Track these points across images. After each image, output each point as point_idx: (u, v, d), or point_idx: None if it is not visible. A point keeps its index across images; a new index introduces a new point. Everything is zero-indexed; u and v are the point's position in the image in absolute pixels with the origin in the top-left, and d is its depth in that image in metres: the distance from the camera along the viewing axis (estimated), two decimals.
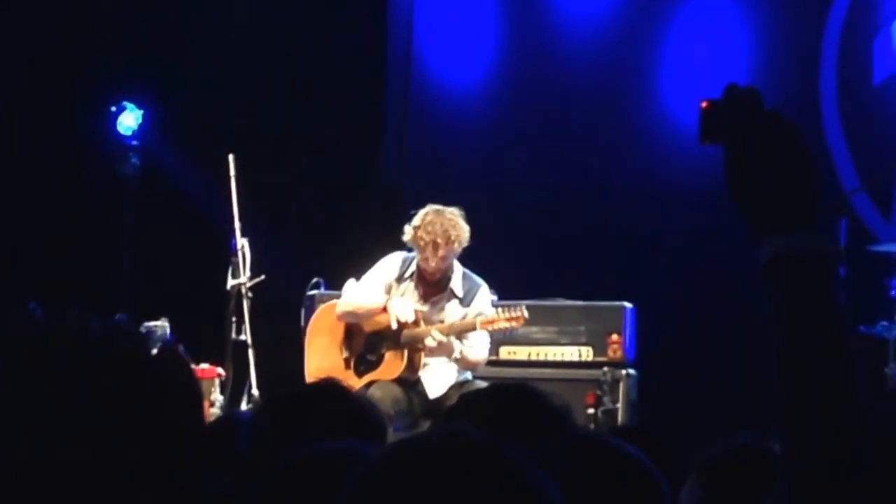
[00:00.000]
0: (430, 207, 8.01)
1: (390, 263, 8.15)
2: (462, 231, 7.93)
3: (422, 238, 7.91)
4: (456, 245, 7.91)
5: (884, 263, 8.97)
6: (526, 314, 8.00)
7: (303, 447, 2.31)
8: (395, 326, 8.03)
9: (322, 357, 8.33)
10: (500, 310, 8.08)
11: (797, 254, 1.93)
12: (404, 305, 8.04)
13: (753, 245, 1.95)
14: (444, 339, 7.92)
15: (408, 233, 7.98)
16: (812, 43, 10.15)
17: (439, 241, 7.87)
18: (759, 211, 1.97)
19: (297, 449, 2.31)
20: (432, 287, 8.10)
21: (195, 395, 1.86)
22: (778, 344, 1.92)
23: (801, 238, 1.94)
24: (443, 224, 7.87)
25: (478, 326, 7.95)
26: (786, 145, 1.97)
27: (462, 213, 8.02)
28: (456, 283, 8.10)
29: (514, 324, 7.98)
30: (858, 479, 1.85)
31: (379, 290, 8.14)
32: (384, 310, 8.11)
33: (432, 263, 7.97)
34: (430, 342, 7.91)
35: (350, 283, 8.33)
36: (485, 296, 8.17)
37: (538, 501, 1.65)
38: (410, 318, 8.01)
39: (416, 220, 7.96)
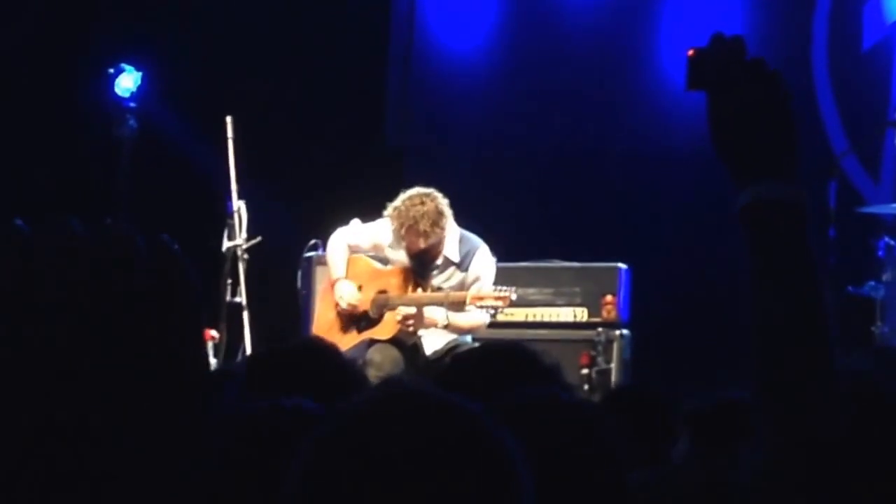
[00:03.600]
0: (412, 192, 7.93)
1: (384, 228, 8.13)
2: (435, 224, 7.83)
3: (396, 226, 7.92)
4: (421, 241, 7.87)
5: (872, 225, 9.07)
6: (513, 297, 7.99)
7: (254, 404, 2.28)
8: (340, 308, 8.15)
9: (329, 309, 8.37)
10: (490, 287, 8.07)
11: (772, 199, 1.97)
12: (347, 292, 8.14)
13: (735, 190, 1.97)
14: (410, 313, 7.93)
15: (387, 210, 7.99)
16: (803, 9, 10.20)
17: (404, 231, 7.86)
18: (740, 157, 2.01)
19: (251, 405, 2.28)
20: (425, 256, 8.11)
21: (193, 303, 1.68)
22: (752, 289, 1.97)
23: (777, 184, 1.97)
24: (415, 216, 7.81)
25: (468, 301, 7.95)
26: (767, 93, 2.01)
27: (444, 199, 7.91)
28: (451, 250, 8.07)
29: (499, 303, 7.96)
30: (831, 424, 1.87)
31: (365, 247, 8.20)
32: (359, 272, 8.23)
33: (406, 251, 8.02)
34: (406, 311, 7.95)
35: (355, 223, 8.34)
36: (483, 258, 8.14)
37: (497, 457, 1.63)
38: (343, 307, 8.13)
39: (396, 202, 7.93)
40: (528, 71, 10.66)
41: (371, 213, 8.39)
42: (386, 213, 7.98)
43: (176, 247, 1.57)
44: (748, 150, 1.99)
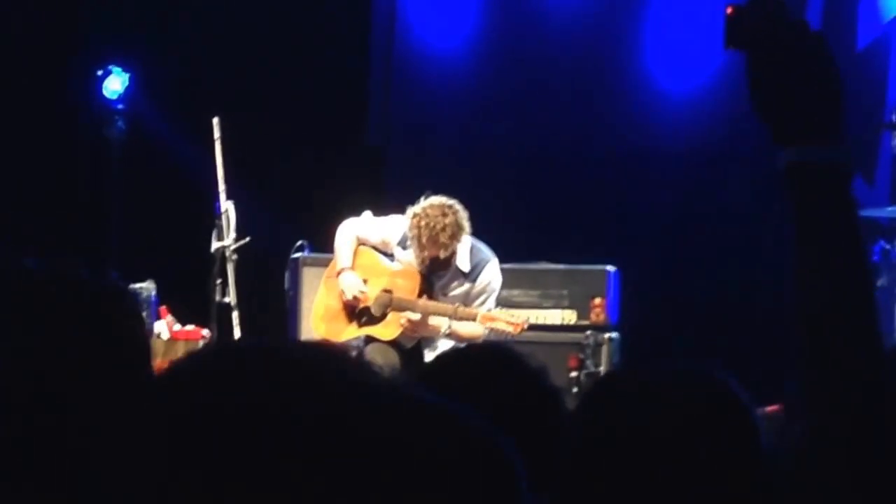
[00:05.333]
0: (435, 202, 7.84)
1: (396, 225, 8.09)
2: (454, 237, 7.78)
3: (415, 233, 7.85)
4: (441, 252, 7.81)
5: (867, 228, 8.93)
6: (526, 326, 7.92)
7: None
8: (345, 298, 8.12)
9: (332, 296, 8.34)
10: (504, 311, 8.02)
11: (818, 162, 1.93)
12: (353, 284, 8.11)
13: (774, 152, 1.94)
14: (416, 319, 7.89)
15: (408, 213, 7.91)
16: (796, 8, 10.13)
17: (425, 241, 7.79)
18: (781, 118, 1.96)
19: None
20: (436, 263, 8.04)
21: (138, 338, 1.87)
22: (796, 252, 1.93)
23: (822, 147, 1.94)
24: (436, 227, 7.74)
25: (478, 319, 7.88)
26: (811, 54, 1.97)
27: (465, 212, 7.84)
28: (462, 259, 8.00)
29: (510, 329, 7.85)
30: (877, 396, 1.85)
31: (373, 240, 8.17)
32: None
33: (419, 257, 7.95)
34: (412, 316, 7.91)
35: (367, 215, 8.29)
36: (492, 272, 8.07)
37: (500, 472, 1.55)
38: (348, 297, 8.08)
39: (417, 209, 7.85)
40: (511, 70, 10.64)
41: (354, 212, 8.37)
42: (407, 215, 7.92)
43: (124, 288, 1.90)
44: (792, 110, 1.95)
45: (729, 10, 2.00)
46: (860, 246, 1.92)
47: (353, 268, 8.20)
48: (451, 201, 7.89)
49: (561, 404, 2.87)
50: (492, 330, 7.91)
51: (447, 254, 7.86)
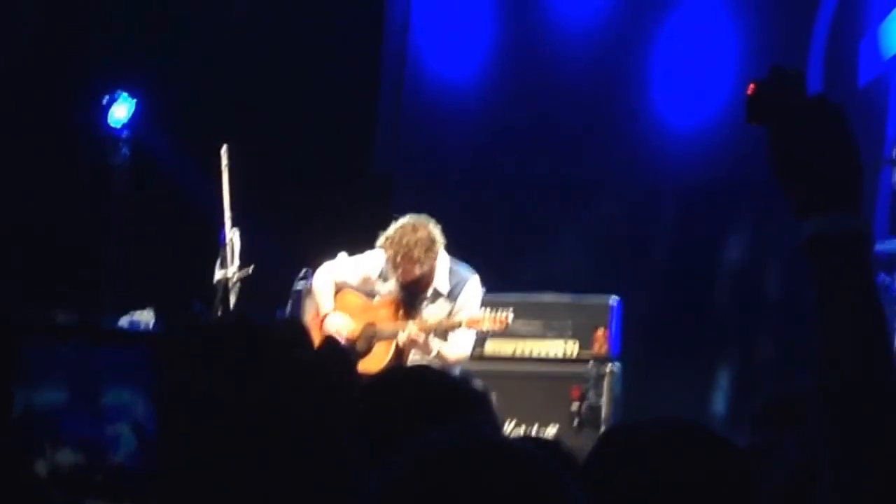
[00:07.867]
0: (405, 220, 7.90)
1: (373, 260, 8.12)
2: (429, 251, 7.81)
3: (389, 254, 7.88)
4: (416, 268, 7.82)
5: None
6: (510, 320, 7.96)
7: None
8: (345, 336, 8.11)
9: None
10: (487, 310, 8.05)
11: (839, 231, 1.96)
12: (341, 324, 8.12)
13: (797, 224, 1.98)
14: (417, 337, 7.90)
15: (380, 240, 7.95)
16: (799, 45, 10.16)
17: (399, 259, 7.81)
18: (804, 191, 1.99)
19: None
20: (415, 286, 8.06)
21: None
22: (820, 323, 1.94)
23: (843, 217, 1.96)
24: (408, 244, 7.77)
25: (464, 324, 7.93)
26: (831, 127, 2.00)
27: (437, 226, 7.88)
28: (441, 281, 8.04)
29: (497, 326, 7.94)
30: None
31: (353, 281, 8.18)
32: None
33: (398, 278, 7.96)
34: (401, 337, 7.93)
35: (342, 256, 8.31)
36: (473, 289, 8.10)
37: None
38: (345, 335, 8.07)
39: (389, 231, 7.88)
40: (520, 100, 10.69)
41: (361, 241, 8.37)
42: (378, 243, 7.94)
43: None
44: (814, 184, 1.98)
45: (751, 86, 2.03)
46: (882, 313, 1.94)
47: (334, 310, 8.23)
48: (421, 216, 7.94)
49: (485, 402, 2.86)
50: (480, 331, 8.04)
51: (424, 269, 7.86)
